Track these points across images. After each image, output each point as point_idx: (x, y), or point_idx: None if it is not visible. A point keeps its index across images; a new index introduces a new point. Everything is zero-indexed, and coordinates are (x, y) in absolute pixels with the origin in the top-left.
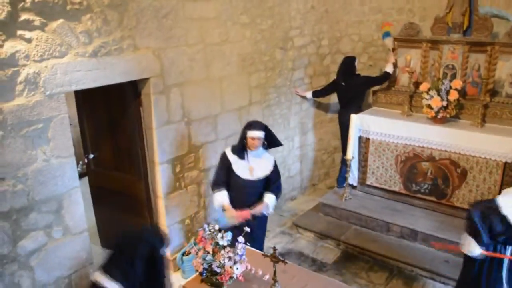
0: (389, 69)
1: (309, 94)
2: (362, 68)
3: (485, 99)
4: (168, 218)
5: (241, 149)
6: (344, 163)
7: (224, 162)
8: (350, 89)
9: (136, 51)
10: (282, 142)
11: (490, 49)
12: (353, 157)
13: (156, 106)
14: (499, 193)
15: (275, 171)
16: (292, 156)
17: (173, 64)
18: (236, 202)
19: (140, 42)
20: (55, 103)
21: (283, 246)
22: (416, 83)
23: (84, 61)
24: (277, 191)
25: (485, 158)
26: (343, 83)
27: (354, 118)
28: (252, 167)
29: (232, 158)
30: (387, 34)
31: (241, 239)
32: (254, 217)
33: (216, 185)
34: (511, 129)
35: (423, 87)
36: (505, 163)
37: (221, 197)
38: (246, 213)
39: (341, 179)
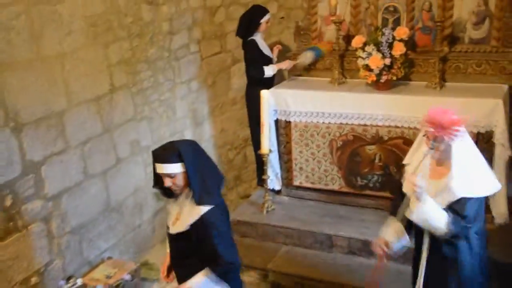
0: (269, 70)
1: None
2: (272, 23)
3: (442, 49)
4: (3, 279)
5: (162, 188)
6: (260, 160)
7: None
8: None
9: None
10: (209, 200)
11: None
12: (271, 150)
13: None
14: None
15: (202, 231)
16: None
17: None
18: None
19: None
20: None
21: None
22: (347, 36)
23: None
24: (215, 268)
25: None
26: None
27: (265, 95)
28: (180, 214)
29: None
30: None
31: None
32: None
33: None
34: (482, 86)
35: (357, 41)
36: (478, 133)
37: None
38: None
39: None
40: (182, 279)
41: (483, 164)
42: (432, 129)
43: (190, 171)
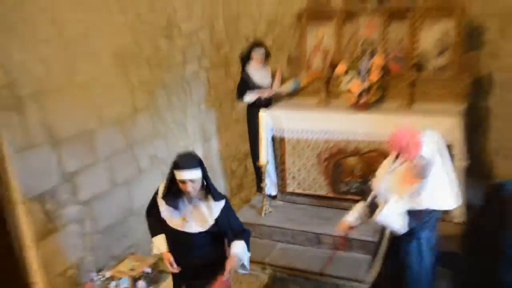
0: (247, 97)
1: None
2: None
3: (411, 75)
4: (44, 272)
5: (172, 196)
6: (258, 170)
7: (154, 200)
8: None
9: None
10: (222, 195)
11: (411, 16)
12: (267, 162)
13: (5, 127)
14: None
15: (226, 220)
16: None
17: (22, 69)
18: (175, 256)
19: None
20: None
21: None
22: (331, 64)
23: None
24: (245, 235)
25: None
26: None
27: (264, 115)
28: (185, 217)
29: (162, 194)
30: (295, 86)
31: (141, 284)
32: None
33: (150, 226)
34: (443, 107)
35: (340, 69)
36: None
37: (159, 241)
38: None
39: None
40: (195, 269)
41: (452, 181)
42: (394, 150)
43: (207, 174)
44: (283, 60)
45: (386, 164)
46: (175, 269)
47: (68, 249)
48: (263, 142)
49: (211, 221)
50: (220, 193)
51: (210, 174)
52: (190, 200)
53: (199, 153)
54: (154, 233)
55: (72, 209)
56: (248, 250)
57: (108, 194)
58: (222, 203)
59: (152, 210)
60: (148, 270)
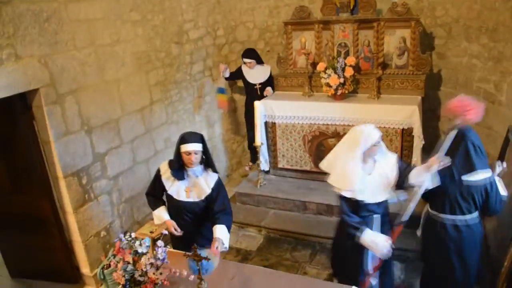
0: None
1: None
2: (260, 53)
3: (378, 72)
4: (82, 233)
5: (178, 169)
6: (254, 150)
7: (157, 178)
8: None
9: (19, 60)
10: (216, 171)
11: (376, 25)
12: (262, 143)
13: (50, 117)
14: (401, 158)
15: (218, 192)
16: None
17: (63, 71)
18: (178, 223)
19: (22, 51)
20: None
21: None
22: (313, 63)
23: None
24: (226, 219)
25: (384, 127)
26: None
27: (258, 105)
28: (189, 187)
29: (166, 175)
30: (221, 91)
31: (160, 243)
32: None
33: (151, 202)
34: (404, 97)
35: (320, 66)
36: (403, 129)
37: (159, 213)
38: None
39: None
40: (193, 236)
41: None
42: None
43: (207, 149)
44: (274, 59)
45: (353, 162)
46: (179, 232)
47: (100, 215)
48: (258, 127)
49: (208, 190)
50: (215, 169)
51: (214, 153)
52: (193, 172)
53: (205, 136)
54: (154, 207)
55: (102, 183)
56: (229, 231)
57: (131, 171)
58: (216, 175)
59: (153, 189)
60: (164, 232)
